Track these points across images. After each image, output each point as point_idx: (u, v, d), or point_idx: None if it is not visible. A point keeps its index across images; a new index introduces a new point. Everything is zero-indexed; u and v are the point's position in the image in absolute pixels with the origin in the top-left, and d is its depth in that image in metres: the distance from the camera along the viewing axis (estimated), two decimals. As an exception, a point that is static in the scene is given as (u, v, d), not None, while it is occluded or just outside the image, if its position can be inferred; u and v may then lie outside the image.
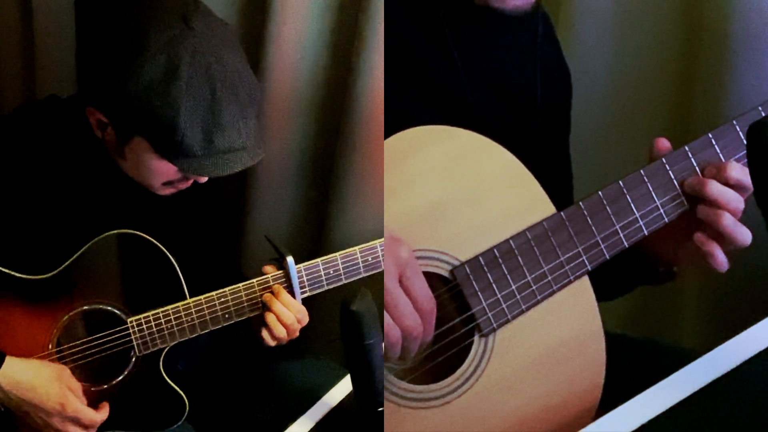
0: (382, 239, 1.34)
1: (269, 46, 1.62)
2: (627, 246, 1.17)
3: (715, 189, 1.14)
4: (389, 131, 1.14)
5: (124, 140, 1.27)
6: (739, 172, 1.14)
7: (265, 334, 1.35)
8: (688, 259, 1.23)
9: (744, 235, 1.14)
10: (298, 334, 1.36)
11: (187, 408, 1.37)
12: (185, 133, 1.20)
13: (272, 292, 1.34)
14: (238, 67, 1.24)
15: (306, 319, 1.37)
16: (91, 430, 1.32)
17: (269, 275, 1.34)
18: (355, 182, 1.62)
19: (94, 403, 1.34)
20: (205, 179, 1.31)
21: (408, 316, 1.07)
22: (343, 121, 1.61)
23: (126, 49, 1.19)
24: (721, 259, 1.15)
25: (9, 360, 1.26)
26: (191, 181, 1.33)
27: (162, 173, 1.29)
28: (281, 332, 1.34)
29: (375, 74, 1.54)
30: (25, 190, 1.31)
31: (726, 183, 1.14)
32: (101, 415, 1.33)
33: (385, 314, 1.06)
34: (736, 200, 1.13)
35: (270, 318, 1.33)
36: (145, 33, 1.19)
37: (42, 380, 1.28)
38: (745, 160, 1.14)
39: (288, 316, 1.33)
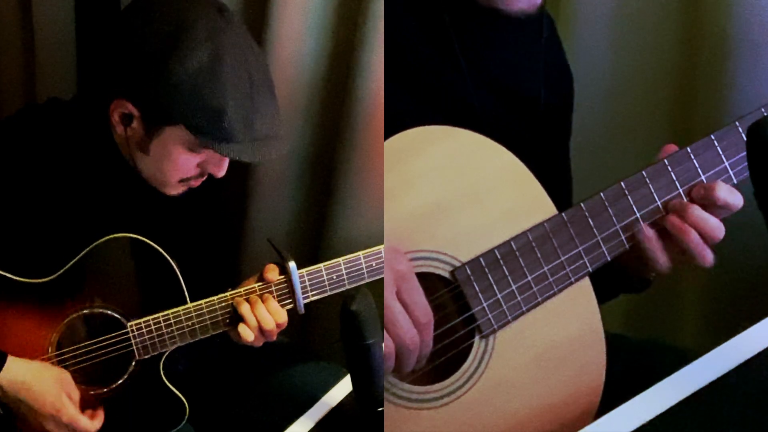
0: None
1: (269, 45, 1.62)
2: (628, 247, 1.17)
3: (696, 214, 1.14)
4: (390, 132, 1.14)
5: (153, 132, 1.27)
6: (727, 193, 1.14)
7: (242, 328, 1.32)
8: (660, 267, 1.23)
9: (707, 257, 1.15)
10: (274, 338, 1.36)
11: (187, 412, 1.37)
12: (231, 119, 1.23)
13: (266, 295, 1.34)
14: (262, 59, 1.30)
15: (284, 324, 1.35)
16: None
17: (271, 280, 1.34)
18: (355, 183, 1.62)
19: (93, 405, 1.35)
20: (222, 173, 1.32)
21: (404, 328, 1.07)
22: (343, 122, 1.61)
23: (172, 37, 1.22)
24: (662, 262, 1.17)
25: (11, 360, 1.26)
26: (204, 178, 1.34)
27: (184, 167, 1.30)
28: (249, 336, 1.32)
29: (375, 74, 1.54)
30: (28, 192, 1.31)
31: (713, 204, 1.14)
32: (95, 424, 1.33)
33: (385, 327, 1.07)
34: (714, 227, 1.14)
35: (244, 309, 1.32)
36: (191, 23, 1.23)
37: (41, 383, 1.28)
38: (731, 172, 1.16)
39: (268, 321, 1.32)
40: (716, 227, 1.14)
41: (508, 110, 1.28)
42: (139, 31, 1.24)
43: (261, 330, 1.32)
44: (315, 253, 1.70)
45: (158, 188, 1.34)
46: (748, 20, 1.53)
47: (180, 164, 1.30)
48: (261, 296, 1.33)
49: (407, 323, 1.07)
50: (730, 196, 1.14)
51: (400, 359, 1.07)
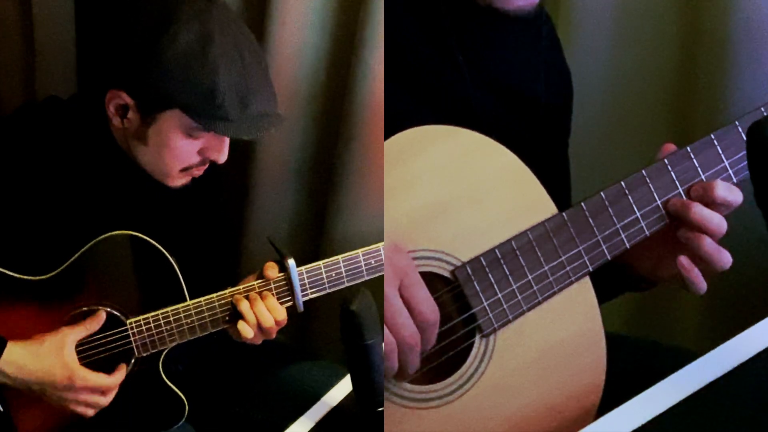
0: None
1: (269, 45, 1.62)
2: (628, 246, 1.17)
3: (699, 213, 1.13)
4: (390, 131, 1.14)
5: (149, 119, 1.27)
6: (725, 191, 1.14)
7: (241, 325, 1.32)
8: (667, 278, 1.23)
9: (724, 259, 1.14)
10: (274, 335, 1.36)
11: (187, 409, 1.37)
12: (225, 97, 1.23)
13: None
14: (252, 37, 1.30)
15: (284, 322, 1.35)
16: (109, 394, 1.31)
17: (270, 278, 1.34)
18: (355, 182, 1.62)
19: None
20: (223, 159, 1.32)
21: (405, 325, 1.07)
22: (344, 122, 1.61)
23: (158, 20, 1.23)
24: (700, 286, 1.16)
25: (9, 345, 1.26)
26: (206, 166, 1.34)
27: (184, 155, 1.30)
28: (248, 333, 1.32)
29: (375, 74, 1.54)
30: (28, 190, 1.31)
31: (712, 203, 1.14)
32: (116, 377, 1.31)
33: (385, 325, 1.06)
34: (719, 224, 1.14)
35: (244, 306, 1.32)
36: (175, 5, 1.24)
37: (44, 357, 1.27)
38: (731, 171, 1.17)
39: (267, 318, 1.32)
40: (719, 223, 1.13)
41: (508, 110, 1.28)
42: (127, 19, 1.25)
43: (260, 327, 1.32)
44: (315, 252, 1.70)
45: (160, 180, 1.34)
46: (748, 20, 1.53)
47: (179, 151, 1.29)
48: (260, 294, 1.33)
49: (408, 320, 1.07)
50: (729, 194, 1.14)
51: (400, 357, 1.07)
